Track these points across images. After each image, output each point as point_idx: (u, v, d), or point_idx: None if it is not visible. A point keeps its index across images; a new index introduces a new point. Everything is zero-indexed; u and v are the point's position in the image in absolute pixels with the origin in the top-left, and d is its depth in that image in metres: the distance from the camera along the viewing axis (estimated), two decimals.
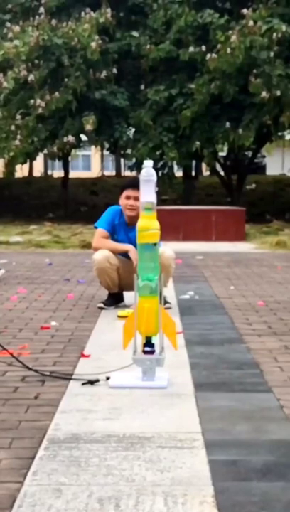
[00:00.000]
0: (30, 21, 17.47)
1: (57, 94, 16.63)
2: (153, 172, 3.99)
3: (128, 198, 6.05)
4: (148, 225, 3.93)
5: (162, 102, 16.98)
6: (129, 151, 18.03)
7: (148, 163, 4.00)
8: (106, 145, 19.54)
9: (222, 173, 20.73)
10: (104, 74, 17.02)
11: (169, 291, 6.67)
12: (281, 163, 38.96)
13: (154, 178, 3.98)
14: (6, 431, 3.12)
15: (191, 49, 16.62)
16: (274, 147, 30.06)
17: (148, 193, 3.95)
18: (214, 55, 16.07)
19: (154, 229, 3.92)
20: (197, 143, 16.92)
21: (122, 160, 29.06)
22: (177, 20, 16.95)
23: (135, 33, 17.43)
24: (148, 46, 17.05)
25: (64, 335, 5.11)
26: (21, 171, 26.78)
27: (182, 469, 2.69)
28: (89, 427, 3.15)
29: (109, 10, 17.16)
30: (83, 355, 4.47)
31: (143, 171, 3.98)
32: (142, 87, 17.73)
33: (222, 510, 2.36)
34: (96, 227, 6.28)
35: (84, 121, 16.65)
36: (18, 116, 17.14)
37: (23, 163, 19.43)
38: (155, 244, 3.92)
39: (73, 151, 21.35)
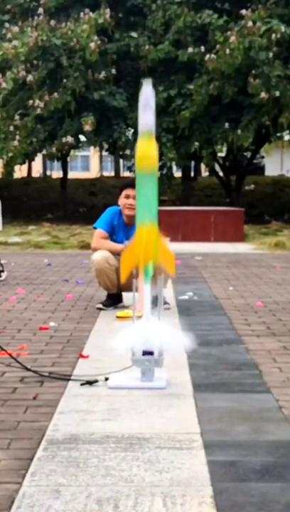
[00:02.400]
0: (29, 22, 17.49)
1: (56, 94, 16.64)
2: (152, 96, 3.73)
3: (127, 197, 6.04)
4: (146, 151, 3.73)
5: (161, 103, 16.95)
6: (127, 152, 18.02)
7: (147, 82, 3.74)
8: (105, 146, 19.55)
9: (221, 173, 20.74)
10: (102, 75, 17.03)
11: (168, 292, 6.66)
12: (280, 164, 39.01)
13: (153, 103, 3.73)
14: (5, 432, 3.12)
15: (190, 50, 16.64)
16: (273, 148, 30.16)
17: (146, 119, 3.72)
18: (213, 56, 16.08)
19: (152, 156, 3.75)
20: (196, 144, 16.94)
21: (121, 160, 29.06)
22: (176, 20, 16.96)
23: (134, 34, 17.44)
24: (147, 47, 17.07)
25: (63, 335, 5.11)
26: (20, 171, 26.80)
27: (181, 470, 2.69)
28: (88, 427, 3.15)
29: (108, 10, 17.17)
30: (82, 356, 4.47)
31: (141, 96, 3.73)
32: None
33: (220, 511, 2.36)
34: (95, 228, 6.28)
35: (83, 122, 16.67)
36: (17, 117, 17.14)
37: (21, 164, 19.45)
38: (154, 173, 3.80)
39: (72, 152, 21.37)
